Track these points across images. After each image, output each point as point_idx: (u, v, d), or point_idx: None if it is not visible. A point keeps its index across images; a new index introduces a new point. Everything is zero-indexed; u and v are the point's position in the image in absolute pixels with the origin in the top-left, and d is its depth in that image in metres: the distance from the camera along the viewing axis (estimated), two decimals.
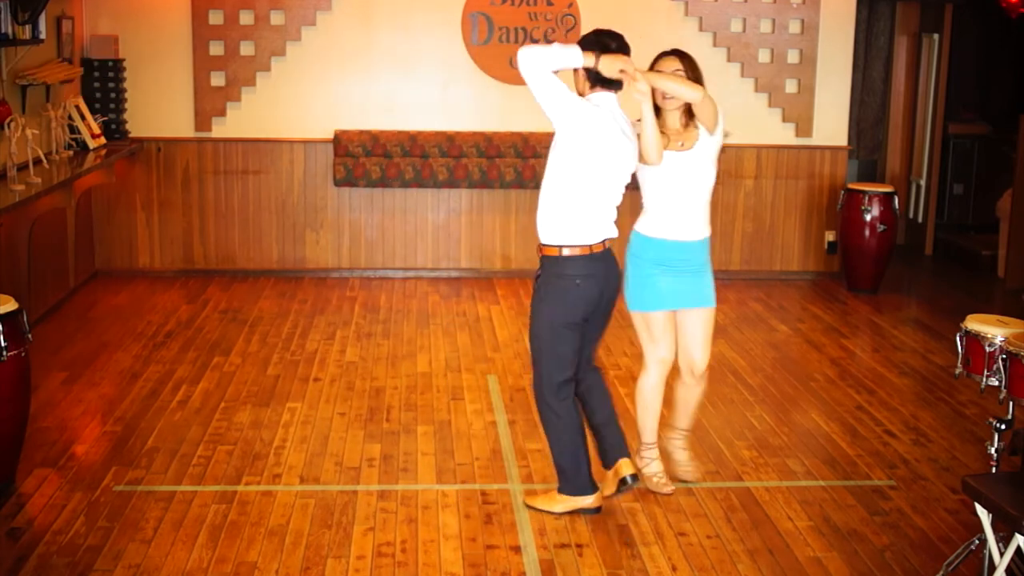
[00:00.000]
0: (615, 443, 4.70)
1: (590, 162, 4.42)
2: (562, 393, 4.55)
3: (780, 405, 6.10)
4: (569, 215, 4.47)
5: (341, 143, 8.55)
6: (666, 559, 4.31)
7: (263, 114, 8.66)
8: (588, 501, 4.61)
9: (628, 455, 4.69)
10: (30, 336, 4.78)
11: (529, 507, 4.68)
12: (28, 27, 7.07)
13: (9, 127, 6.71)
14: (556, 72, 4.38)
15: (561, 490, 4.64)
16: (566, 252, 4.49)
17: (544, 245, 4.56)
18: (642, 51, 4.66)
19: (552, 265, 4.54)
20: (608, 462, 4.71)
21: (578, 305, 4.50)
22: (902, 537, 4.54)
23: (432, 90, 8.73)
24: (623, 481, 4.63)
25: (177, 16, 8.50)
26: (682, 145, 4.69)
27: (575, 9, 8.68)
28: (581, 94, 4.53)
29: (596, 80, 4.48)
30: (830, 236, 9.15)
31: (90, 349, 6.79)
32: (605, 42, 4.45)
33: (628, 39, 4.57)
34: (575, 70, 4.48)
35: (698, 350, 4.86)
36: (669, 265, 4.75)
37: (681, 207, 4.73)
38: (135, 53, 8.52)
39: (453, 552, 4.32)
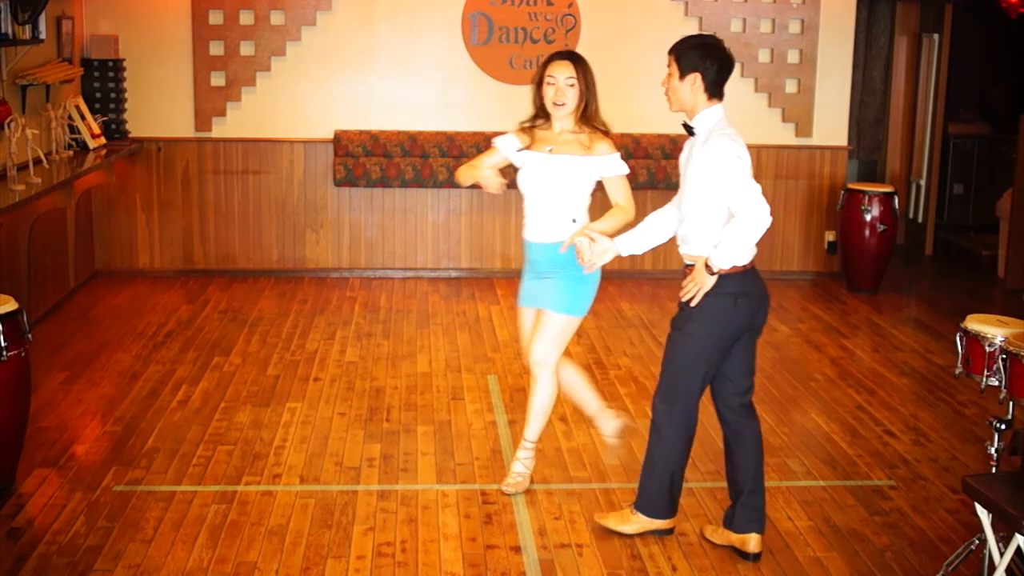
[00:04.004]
0: (751, 514, 4.32)
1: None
2: (676, 409, 4.29)
3: (780, 405, 6.10)
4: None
5: (341, 143, 8.55)
6: (666, 559, 4.30)
7: (263, 114, 8.66)
8: (661, 523, 4.44)
9: (762, 531, 4.34)
10: (30, 336, 4.78)
11: (599, 523, 4.53)
12: (28, 27, 7.07)
13: (9, 127, 6.71)
14: None
15: (638, 507, 4.44)
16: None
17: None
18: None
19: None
20: (736, 528, 4.35)
21: (734, 322, 4.23)
22: (902, 537, 4.54)
23: (432, 90, 8.72)
24: (744, 555, 4.31)
25: (177, 16, 8.50)
26: (551, 149, 4.68)
27: (575, 9, 8.67)
28: (691, 105, 4.26)
29: (714, 92, 4.28)
30: (830, 236, 9.15)
31: (90, 349, 6.79)
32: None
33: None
34: (689, 80, 4.24)
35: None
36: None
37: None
38: (135, 53, 8.52)
39: (453, 552, 4.32)
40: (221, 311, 7.76)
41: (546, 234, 4.71)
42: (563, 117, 4.68)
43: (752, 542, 4.30)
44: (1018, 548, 3.67)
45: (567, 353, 4.99)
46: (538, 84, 4.71)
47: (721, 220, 4.20)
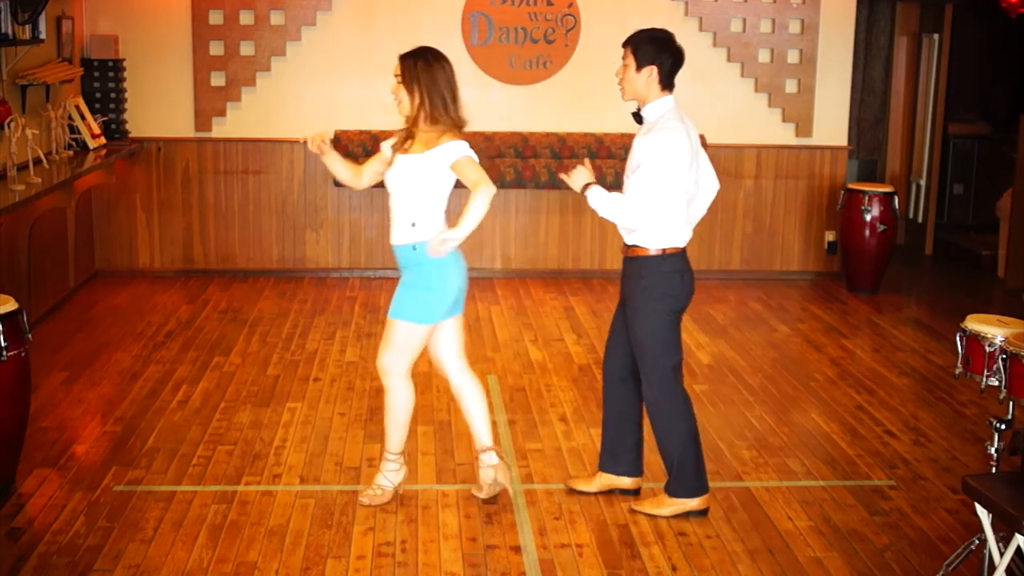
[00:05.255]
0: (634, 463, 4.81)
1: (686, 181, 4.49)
2: (676, 379, 4.55)
3: (780, 405, 6.10)
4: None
5: (341, 143, 8.54)
6: (666, 559, 4.31)
7: (263, 114, 8.66)
8: (694, 503, 4.62)
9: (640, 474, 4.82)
10: (30, 336, 4.78)
11: (635, 511, 4.66)
12: (28, 27, 7.07)
13: (9, 127, 6.71)
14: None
15: (668, 490, 4.63)
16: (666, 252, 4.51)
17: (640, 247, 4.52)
18: None
19: (655, 264, 4.50)
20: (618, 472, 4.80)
21: (683, 294, 4.56)
22: (902, 537, 4.55)
23: None
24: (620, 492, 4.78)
25: (177, 16, 8.50)
26: (406, 148, 4.58)
27: (575, 9, 8.68)
28: (643, 95, 4.46)
29: (667, 84, 4.48)
30: (830, 236, 9.15)
31: (90, 349, 6.79)
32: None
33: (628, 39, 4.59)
34: (645, 72, 4.43)
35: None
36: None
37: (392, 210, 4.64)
38: (135, 53, 8.52)
39: (453, 552, 4.32)
40: (221, 311, 7.76)
41: (393, 236, 4.63)
42: (403, 115, 4.57)
43: (628, 481, 4.78)
44: (1018, 548, 3.67)
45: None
46: None
47: (666, 208, 4.38)
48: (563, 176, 4.62)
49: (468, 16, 8.67)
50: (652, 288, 4.49)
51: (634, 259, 4.54)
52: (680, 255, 4.52)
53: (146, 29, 8.52)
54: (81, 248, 8.25)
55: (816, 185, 9.12)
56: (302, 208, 8.79)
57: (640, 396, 4.69)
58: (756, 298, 8.47)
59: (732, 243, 9.07)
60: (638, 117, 4.54)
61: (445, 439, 5.48)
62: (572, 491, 4.84)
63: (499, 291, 8.46)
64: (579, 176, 4.53)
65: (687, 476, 4.60)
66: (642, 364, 4.58)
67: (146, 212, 8.72)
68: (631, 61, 4.49)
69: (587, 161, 4.66)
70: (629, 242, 4.54)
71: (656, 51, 4.47)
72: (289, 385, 6.23)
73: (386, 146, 4.72)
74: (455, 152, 4.47)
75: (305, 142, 4.66)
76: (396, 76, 4.59)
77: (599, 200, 4.44)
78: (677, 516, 4.62)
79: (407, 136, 4.61)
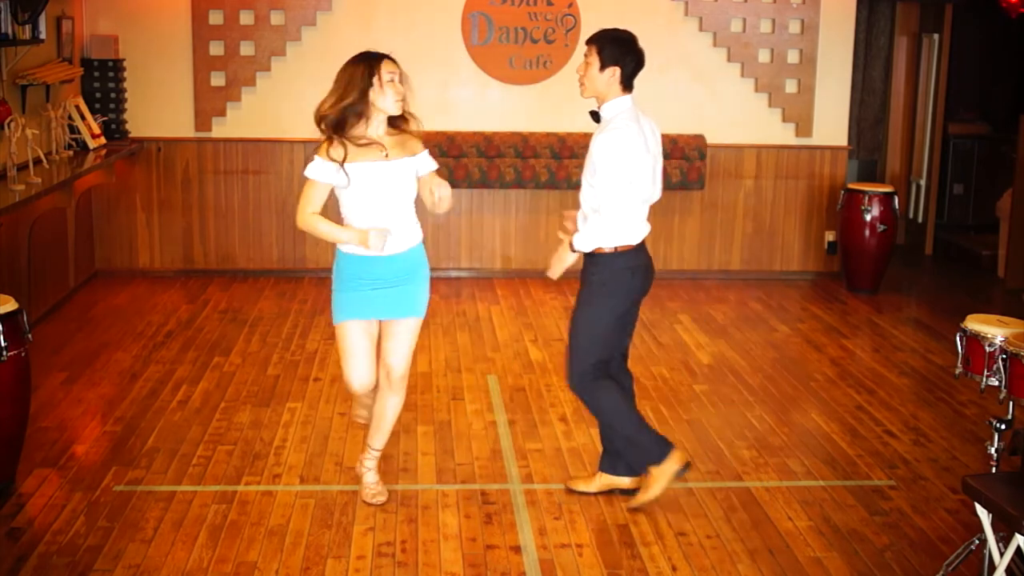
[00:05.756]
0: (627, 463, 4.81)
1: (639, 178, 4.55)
2: (594, 375, 4.59)
3: (780, 405, 6.10)
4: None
5: None
6: (666, 559, 4.31)
7: (263, 114, 8.66)
8: (672, 464, 4.58)
9: (637, 474, 4.77)
10: (30, 336, 4.78)
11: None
12: (28, 27, 7.07)
13: (9, 127, 6.72)
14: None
15: (638, 470, 4.67)
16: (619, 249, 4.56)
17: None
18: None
19: (608, 261, 4.55)
20: (615, 473, 4.82)
21: (632, 292, 4.61)
22: (902, 537, 4.55)
23: (432, 90, 8.72)
24: (620, 491, 4.81)
25: (177, 16, 8.51)
26: (387, 155, 4.46)
27: (575, 9, 8.68)
28: (603, 94, 4.52)
29: (628, 85, 4.56)
30: (830, 236, 9.15)
31: (90, 349, 6.79)
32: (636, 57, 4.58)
33: None
34: (608, 72, 4.49)
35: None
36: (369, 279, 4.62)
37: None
38: (135, 53, 8.53)
39: (453, 552, 4.32)
40: (221, 311, 7.76)
41: (399, 243, 4.53)
42: (388, 119, 4.48)
43: (627, 481, 4.78)
44: (1018, 548, 3.67)
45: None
46: (368, 86, 4.50)
47: (622, 207, 4.45)
48: (552, 274, 4.63)
49: (468, 16, 8.67)
50: (603, 285, 4.56)
51: (590, 255, 4.59)
52: (634, 252, 4.55)
53: (146, 29, 8.52)
54: (81, 248, 8.25)
55: (816, 185, 9.12)
56: None
57: (623, 392, 4.72)
58: (756, 298, 8.47)
59: (732, 243, 9.07)
60: (596, 115, 4.61)
61: (445, 439, 5.48)
62: (572, 491, 4.85)
63: (499, 291, 8.46)
64: (563, 252, 4.57)
65: (643, 447, 4.60)
66: (569, 351, 4.65)
67: (146, 212, 8.72)
68: (595, 60, 4.53)
69: (565, 231, 4.63)
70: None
71: (621, 52, 4.52)
72: (289, 385, 6.23)
73: (329, 168, 4.52)
74: (431, 161, 4.59)
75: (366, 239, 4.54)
76: (401, 74, 4.60)
77: (584, 241, 4.50)
78: (664, 487, 4.61)
79: (343, 144, 4.48)
